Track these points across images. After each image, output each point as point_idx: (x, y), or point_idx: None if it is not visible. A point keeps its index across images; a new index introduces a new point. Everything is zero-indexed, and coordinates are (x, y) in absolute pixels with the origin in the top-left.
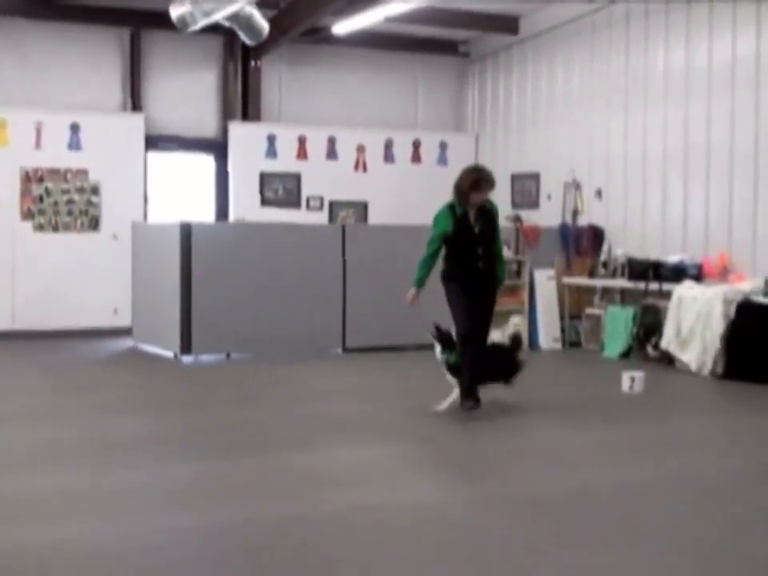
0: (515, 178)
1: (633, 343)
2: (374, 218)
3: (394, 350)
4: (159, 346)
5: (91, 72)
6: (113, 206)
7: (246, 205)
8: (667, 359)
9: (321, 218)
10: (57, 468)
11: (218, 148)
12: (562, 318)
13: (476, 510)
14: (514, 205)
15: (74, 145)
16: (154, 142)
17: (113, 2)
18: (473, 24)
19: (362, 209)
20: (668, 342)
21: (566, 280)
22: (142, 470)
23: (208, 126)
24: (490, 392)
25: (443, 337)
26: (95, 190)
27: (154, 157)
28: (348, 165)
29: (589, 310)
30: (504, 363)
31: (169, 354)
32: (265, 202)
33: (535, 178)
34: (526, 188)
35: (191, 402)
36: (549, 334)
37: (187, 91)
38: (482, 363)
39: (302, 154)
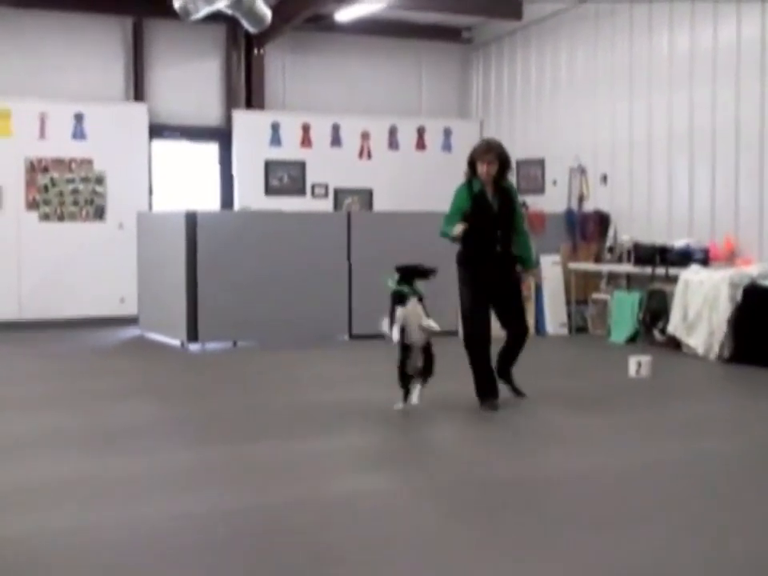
0: (520, 164)
1: (639, 328)
2: (379, 204)
3: None
4: (166, 335)
5: (95, 62)
6: (118, 195)
7: (250, 193)
8: (674, 344)
9: (326, 205)
10: (59, 455)
11: (223, 136)
12: (568, 303)
13: (485, 493)
14: (520, 191)
15: (79, 134)
16: (158, 130)
17: None
18: (476, 10)
19: (366, 196)
20: (675, 326)
21: (572, 265)
22: (146, 456)
23: (212, 115)
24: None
25: (404, 270)
26: (100, 180)
27: (159, 146)
28: (352, 152)
29: (595, 295)
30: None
31: (176, 342)
32: (270, 190)
33: (540, 163)
34: (532, 174)
35: (197, 390)
36: (555, 319)
37: (191, 80)
38: (488, 364)
39: (306, 141)
